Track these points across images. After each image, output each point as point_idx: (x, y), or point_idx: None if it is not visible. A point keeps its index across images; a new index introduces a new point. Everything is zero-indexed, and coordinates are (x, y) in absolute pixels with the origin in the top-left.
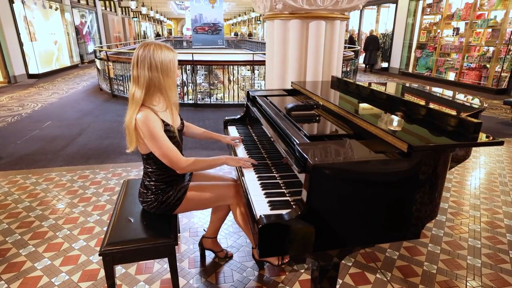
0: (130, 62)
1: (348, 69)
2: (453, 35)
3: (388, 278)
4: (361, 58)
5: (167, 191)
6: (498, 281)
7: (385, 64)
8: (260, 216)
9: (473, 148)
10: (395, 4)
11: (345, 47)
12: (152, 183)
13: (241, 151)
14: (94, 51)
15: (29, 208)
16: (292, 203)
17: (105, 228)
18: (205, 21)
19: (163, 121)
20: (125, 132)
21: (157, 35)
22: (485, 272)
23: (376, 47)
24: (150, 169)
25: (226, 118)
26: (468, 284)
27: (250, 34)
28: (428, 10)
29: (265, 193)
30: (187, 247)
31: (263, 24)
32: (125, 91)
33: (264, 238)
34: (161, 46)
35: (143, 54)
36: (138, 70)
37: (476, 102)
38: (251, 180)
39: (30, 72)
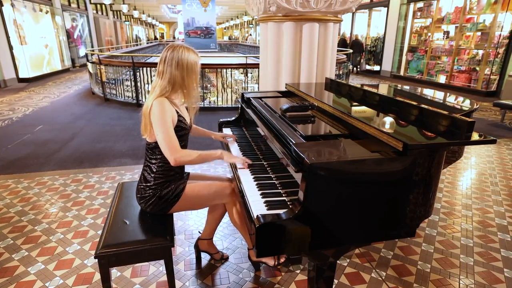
0: (123, 65)
1: (340, 72)
2: (443, 39)
3: (383, 278)
4: None
5: (166, 186)
6: (490, 279)
7: (377, 67)
8: (257, 216)
9: (465, 149)
10: (386, 8)
11: (338, 51)
12: (152, 175)
13: (236, 152)
14: (86, 55)
15: (22, 212)
16: (288, 203)
17: (99, 232)
18: (198, 24)
19: (178, 113)
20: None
21: (155, 38)
22: (477, 270)
23: (360, 51)
24: (154, 160)
25: (221, 120)
26: (461, 282)
27: (246, 39)
28: (419, 13)
29: (261, 194)
30: (183, 249)
31: (255, 28)
32: (118, 95)
33: (262, 238)
34: (188, 49)
35: (172, 54)
36: (165, 66)
37: (466, 103)
38: (247, 181)
39: (21, 76)
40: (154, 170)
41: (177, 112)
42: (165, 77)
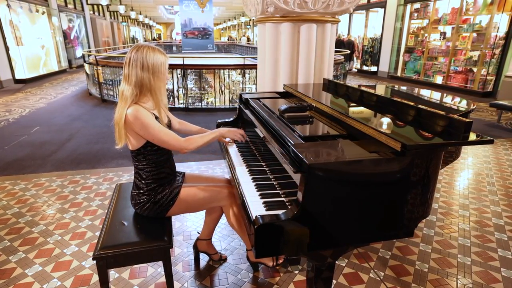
0: (120, 66)
1: (338, 73)
2: (440, 39)
3: (381, 278)
4: None
5: (160, 191)
6: (488, 278)
7: (374, 68)
8: (256, 216)
9: (462, 149)
10: (383, 9)
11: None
12: (143, 181)
13: (234, 153)
14: (83, 56)
15: (19, 214)
16: (287, 203)
17: (97, 233)
18: (195, 25)
19: (155, 116)
20: (114, 129)
21: (154, 39)
22: (475, 269)
23: (352, 50)
24: (141, 166)
25: (219, 121)
26: (458, 282)
27: (248, 39)
28: (416, 14)
29: (260, 194)
30: (181, 250)
31: (253, 29)
32: (115, 96)
33: (261, 238)
34: (154, 49)
35: (136, 55)
36: (130, 69)
37: (463, 104)
38: (246, 181)
39: (17, 77)
40: (144, 176)
41: (154, 115)
42: (131, 80)
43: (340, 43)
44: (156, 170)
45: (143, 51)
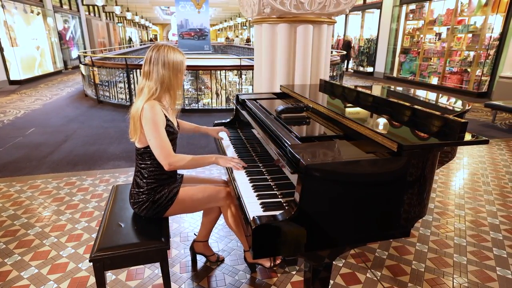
0: (116, 67)
1: (334, 74)
2: (435, 40)
3: (378, 278)
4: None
5: (159, 191)
6: (483, 277)
7: (370, 69)
8: (254, 217)
9: (458, 149)
10: (379, 10)
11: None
12: (144, 180)
13: (231, 154)
14: (79, 57)
15: (14, 216)
16: (284, 204)
17: (93, 235)
18: (191, 26)
19: (167, 117)
20: (129, 122)
21: (151, 40)
22: (470, 269)
23: (348, 49)
24: (144, 165)
25: (216, 121)
26: (455, 281)
27: (248, 40)
28: (411, 15)
29: (257, 195)
30: (178, 251)
31: (249, 30)
32: (111, 97)
33: (258, 239)
34: (174, 48)
35: (157, 54)
36: (151, 66)
37: (459, 104)
38: (243, 183)
39: (12, 78)
40: (146, 176)
41: (166, 117)
42: (152, 77)
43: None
44: (159, 171)
45: (164, 50)
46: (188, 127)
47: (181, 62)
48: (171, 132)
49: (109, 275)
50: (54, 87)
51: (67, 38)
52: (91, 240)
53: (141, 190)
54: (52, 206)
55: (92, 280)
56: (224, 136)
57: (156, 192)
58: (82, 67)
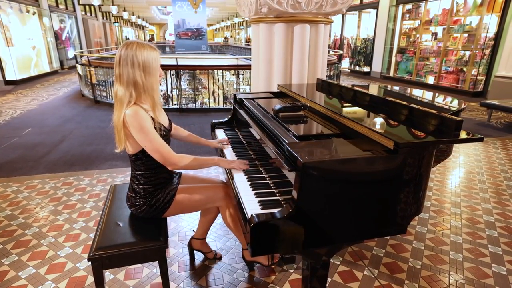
0: (113, 67)
1: (331, 73)
2: (431, 40)
3: (375, 275)
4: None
5: (156, 194)
6: (479, 274)
7: (367, 69)
8: (252, 215)
9: (453, 148)
10: (375, 10)
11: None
12: (140, 186)
13: (229, 154)
14: (75, 57)
15: (11, 216)
16: (282, 202)
17: (91, 235)
18: (188, 26)
19: (153, 119)
20: (113, 132)
21: (150, 40)
22: (466, 266)
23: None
24: (139, 172)
25: (213, 121)
26: (451, 278)
27: (248, 40)
28: (408, 15)
29: (255, 193)
30: (176, 251)
31: (246, 30)
32: (108, 97)
33: (256, 237)
34: (143, 45)
35: (126, 53)
36: (121, 68)
37: (455, 103)
38: (241, 181)
39: (7, 78)
40: (142, 182)
41: (153, 119)
42: (123, 80)
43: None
44: (154, 176)
45: (133, 48)
46: (184, 135)
47: (153, 59)
48: (164, 135)
49: (107, 274)
50: (51, 87)
51: (63, 38)
52: (89, 240)
53: (138, 195)
54: (50, 206)
55: (90, 279)
56: (221, 135)
57: (153, 196)
58: (78, 67)
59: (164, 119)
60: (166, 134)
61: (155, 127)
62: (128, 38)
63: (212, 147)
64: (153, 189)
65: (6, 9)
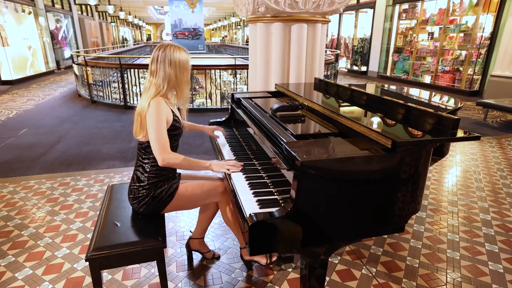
0: (110, 67)
1: (329, 73)
2: (428, 40)
3: (373, 274)
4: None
5: (159, 186)
6: (476, 272)
7: (364, 68)
8: (250, 214)
9: (450, 147)
10: (372, 9)
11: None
12: (146, 174)
13: (227, 153)
14: (71, 56)
15: (7, 217)
16: (280, 201)
17: (88, 235)
18: (185, 26)
19: (173, 113)
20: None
21: (147, 40)
22: (463, 264)
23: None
24: (147, 159)
25: (211, 120)
26: (448, 276)
27: (247, 40)
28: (404, 15)
29: (253, 193)
30: (174, 250)
31: (243, 29)
32: (105, 97)
33: (255, 236)
34: (179, 47)
35: (164, 53)
36: (158, 65)
37: (451, 102)
38: (239, 181)
39: (3, 78)
40: (148, 170)
41: (172, 112)
42: (159, 75)
43: None
44: (159, 166)
45: (170, 49)
46: (187, 126)
47: (186, 61)
48: (177, 127)
49: (105, 275)
50: (47, 87)
51: (60, 38)
52: (86, 240)
53: (142, 184)
54: (46, 206)
55: (88, 280)
56: (219, 134)
57: (156, 187)
58: (75, 67)
59: (180, 116)
60: (179, 127)
61: (174, 118)
62: (125, 38)
63: (206, 133)
64: (157, 180)
65: (2, 9)
